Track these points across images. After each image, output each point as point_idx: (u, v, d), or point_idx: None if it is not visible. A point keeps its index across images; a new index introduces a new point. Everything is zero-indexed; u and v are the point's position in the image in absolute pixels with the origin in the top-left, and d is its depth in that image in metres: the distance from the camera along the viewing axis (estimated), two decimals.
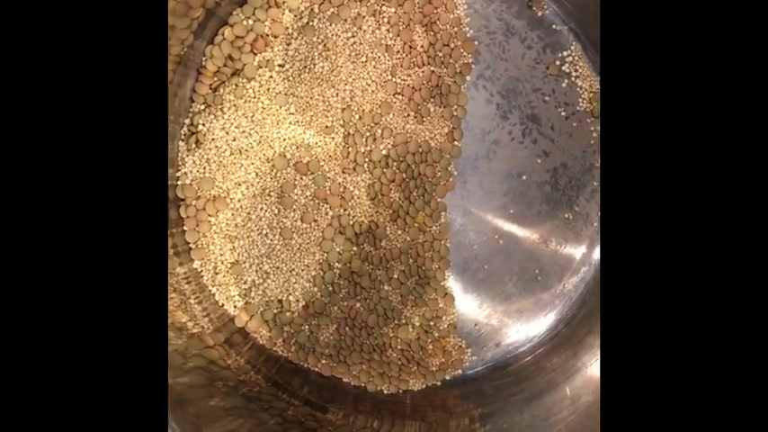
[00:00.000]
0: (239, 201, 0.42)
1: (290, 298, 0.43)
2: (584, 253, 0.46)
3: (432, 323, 0.45)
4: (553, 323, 0.46)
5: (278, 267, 0.43)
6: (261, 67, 0.42)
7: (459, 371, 0.46)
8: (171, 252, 0.41)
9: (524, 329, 0.46)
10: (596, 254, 0.46)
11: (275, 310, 0.43)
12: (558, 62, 0.45)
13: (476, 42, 0.45)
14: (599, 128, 0.46)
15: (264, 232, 0.42)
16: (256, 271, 0.42)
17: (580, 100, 0.46)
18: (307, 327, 0.43)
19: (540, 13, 0.45)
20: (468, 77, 0.45)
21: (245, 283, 0.42)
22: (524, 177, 0.45)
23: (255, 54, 0.42)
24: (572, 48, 0.45)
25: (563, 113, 0.45)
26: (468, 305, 0.46)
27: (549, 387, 0.43)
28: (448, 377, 0.45)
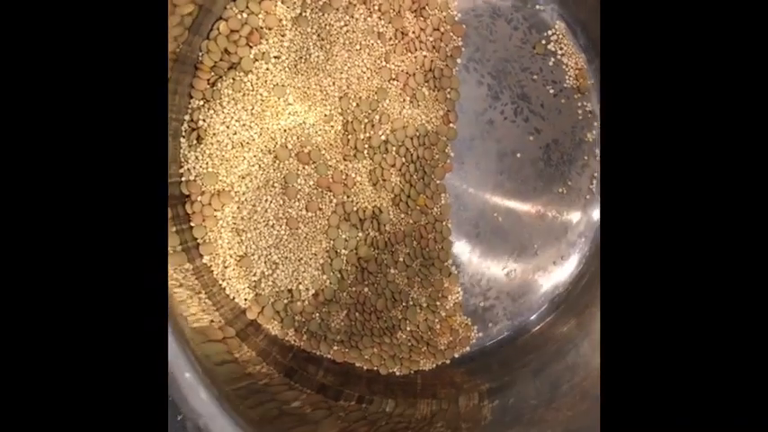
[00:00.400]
0: (244, 194, 0.42)
1: (300, 287, 0.43)
2: (579, 225, 0.47)
3: (438, 303, 0.46)
4: (554, 296, 0.47)
5: (286, 257, 0.43)
6: (257, 60, 0.42)
7: (467, 348, 0.47)
8: (180, 248, 0.41)
9: (528, 303, 0.47)
10: (591, 225, 0.47)
11: (285, 300, 0.43)
12: (543, 41, 0.47)
13: (464, 26, 0.46)
14: (586, 103, 0.47)
15: (271, 223, 0.43)
16: (265, 262, 0.43)
17: (567, 77, 0.47)
18: (317, 315, 0.44)
19: None
20: (458, 60, 0.46)
21: (254, 275, 0.43)
22: (518, 155, 0.47)
23: (251, 47, 0.42)
24: (556, 26, 0.47)
25: (551, 91, 0.47)
26: (472, 283, 0.47)
27: (557, 357, 0.44)
28: (456, 355, 0.46)
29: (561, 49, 0.47)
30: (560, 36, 0.47)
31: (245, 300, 0.43)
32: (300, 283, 0.43)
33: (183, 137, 0.42)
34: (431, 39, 0.45)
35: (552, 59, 0.47)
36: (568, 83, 0.47)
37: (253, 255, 0.43)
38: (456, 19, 0.46)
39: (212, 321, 0.41)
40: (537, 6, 0.47)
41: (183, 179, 0.42)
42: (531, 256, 0.47)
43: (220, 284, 0.43)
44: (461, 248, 0.46)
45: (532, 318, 0.48)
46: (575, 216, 0.47)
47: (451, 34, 0.45)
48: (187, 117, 0.42)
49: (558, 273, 0.47)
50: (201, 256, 0.42)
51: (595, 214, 0.47)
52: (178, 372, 0.32)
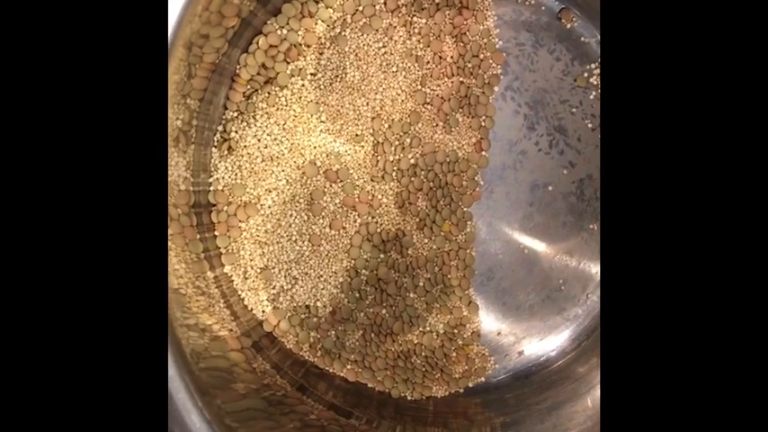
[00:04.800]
0: (270, 207, 0.43)
1: (318, 304, 0.44)
2: None
3: (456, 331, 0.45)
4: (576, 334, 0.47)
5: (306, 273, 0.43)
6: (293, 76, 0.43)
7: (482, 378, 0.46)
8: (202, 256, 0.41)
9: (547, 339, 0.47)
10: None
11: (303, 316, 0.44)
12: (585, 74, 0.46)
13: (504, 54, 0.45)
14: None
15: (294, 238, 0.43)
16: (285, 276, 0.43)
17: None
18: (333, 332, 0.44)
19: (568, 26, 0.46)
20: (496, 88, 0.45)
21: (273, 288, 0.43)
22: (550, 188, 0.46)
23: (288, 63, 0.43)
24: (599, 60, 0.46)
25: (590, 125, 0.46)
26: (491, 314, 0.46)
27: (572, 397, 0.43)
28: (470, 384, 0.46)
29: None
30: None
31: (263, 312, 0.43)
32: (318, 300, 0.44)
33: (215, 147, 0.42)
34: (469, 65, 0.44)
35: (593, 93, 0.46)
36: None
37: (273, 268, 0.43)
38: (497, 47, 0.45)
39: (230, 331, 0.42)
40: (582, 39, 0.46)
41: (212, 188, 0.42)
42: (556, 291, 0.46)
43: (239, 295, 0.43)
44: (484, 278, 0.46)
45: (552, 353, 0.47)
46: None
47: (491, 61, 0.45)
48: (220, 128, 0.42)
49: (581, 310, 0.46)
50: (223, 265, 0.43)
51: None
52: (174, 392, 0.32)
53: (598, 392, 0.43)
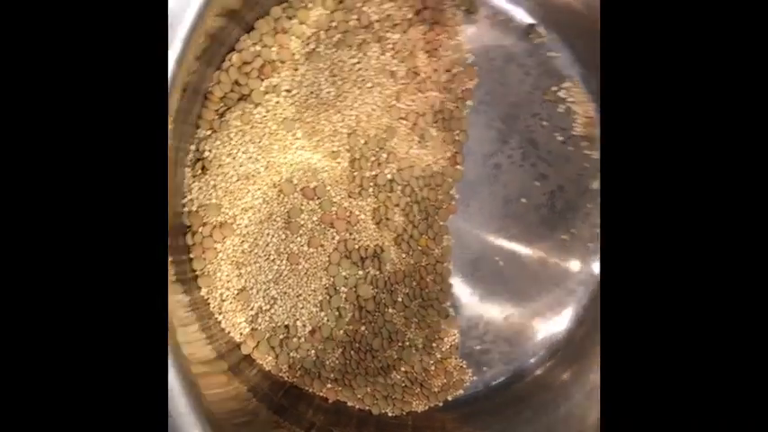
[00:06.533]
0: (246, 227, 0.42)
1: (297, 323, 0.43)
2: (579, 273, 0.47)
3: (434, 344, 0.45)
4: (552, 342, 0.47)
5: (285, 293, 0.42)
6: (268, 93, 0.42)
7: (461, 391, 0.46)
8: (175, 279, 0.40)
9: (524, 348, 0.47)
10: (591, 274, 0.47)
11: (281, 336, 0.43)
12: (554, 88, 0.47)
13: (476, 68, 0.46)
14: (593, 152, 0.47)
15: (272, 258, 0.42)
16: (263, 297, 0.42)
17: (575, 125, 0.47)
18: (313, 351, 0.43)
19: (537, 41, 0.46)
20: (469, 102, 0.46)
21: (251, 309, 0.42)
22: (523, 200, 0.47)
23: (263, 80, 0.42)
24: (568, 74, 0.47)
25: (559, 138, 0.47)
26: (469, 326, 0.46)
27: (551, 407, 0.44)
28: (449, 398, 0.46)
29: (572, 96, 0.47)
30: (572, 84, 0.47)
31: (241, 334, 0.42)
32: (298, 320, 0.43)
33: (188, 166, 0.41)
34: (442, 80, 0.45)
35: (562, 107, 0.47)
36: (577, 130, 0.47)
37: (251, 289, 0.42)
38: (469, 61, 0.45)
39: (206, 354, 0.41)
40: (549, 53, 0.46)
41: (186, 210, 0.41)
42: (530, 302, 0.47)
43: (216, 318, 0.42)
44: (461, 290, 0.46)
45: (528, 364, 0.47)
46: (575, 264, 0.47)
47: (463, 76, 0.45)
48: (193, 147, 0.41)
49: (556, 320, 0.47)
50: (199, 288, 0.42)
51: (596, 264, 0.47)
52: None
53: (577, 400, 0.44)
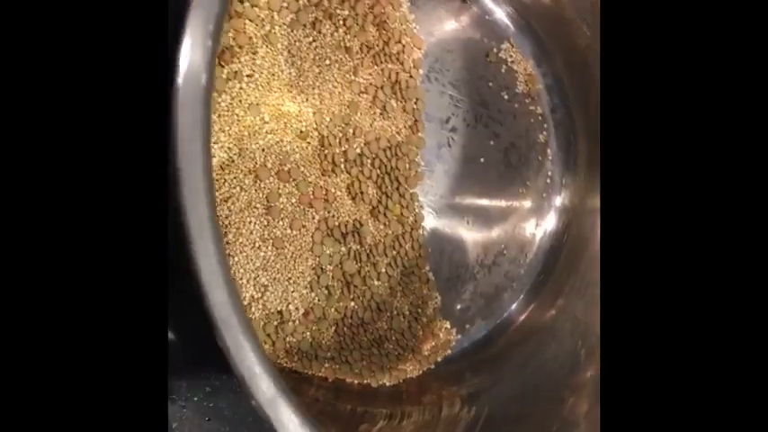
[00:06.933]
0: (227, 217, 0.41)
1: (290, 307, 0.43)
2: (538, 223, 0.50)
3: (419, 310, 0.46)
4: (525, 293, 0.50)
5: (275, 278, 0.42)
6: (230, 80, 0.41)
7: (449, 351, 0.48)
8: None
9: (501, 299, 0.49)
10: (549, 224, 0.50)
11: (276, 322, 0.42)
12: (495, 50, 0.49)
13: (422, 37, 0.47)
14: (537, 107, 0.50)
15: (257, 245, 0.42)
16: (254, 285, 0.42)
17: (518, 83, 0.49)
18: (308, 333, 0.43)
19: (472, 6, 0.48)
20: (421, 71, 0.47)
21: (243, 299, 0.41)
22: (482, 160, 0.48)
23: (223, 66, 0.41)
24: (506, 34, 0.49)
25: (505, 96, 0.49)
26: (448, 287, 0.48)
27: (541, 348, 0.47)
28: (439, 359, 0.47)
29: (511, 56, 0.49)
30: (510, 44, 0.49)
31: None
32: (290, 303, 0.43)
33: None
34: (394, 51, 0.46)
35: (504, 66, 0.49)
36: (519, 88, 0.49)
37: (241, 279, 0.41)
38: (415, 31, 0.47)
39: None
40: (486, 17, 0.49)
41: None
42: (499, 255, 0.49)
43: None
44: (436, 254, 0.47)
45: (510, 313, 0.49)
46: (534, 214, 0.50)
47: (412, 46, 0.46)
48: None
49: (523, 270, 0.50)
50: None
51: (556, 200, 0.50)
52: None
53: (564, 336, 0.46)
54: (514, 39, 0.49)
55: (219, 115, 0.41)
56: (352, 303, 0.44)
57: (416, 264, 0.46)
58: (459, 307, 0.48)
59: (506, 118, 0.49)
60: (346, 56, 0.44)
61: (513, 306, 0.49)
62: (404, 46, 0.46)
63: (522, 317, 0.49)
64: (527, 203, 0.50)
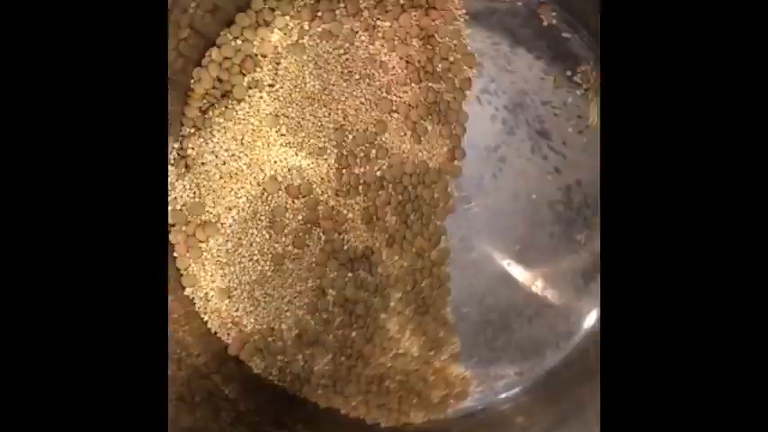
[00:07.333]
0: (230, 226, 0.41)
1: (283, 326, 0.41)
2: (595, 276, 0.43)
3: (432, 353, 0.42)
4: (567, 353, 0.43)
5: (269, 295, 0.41)
6: (250, 88, 0.41)
7: (465, 403, 0.43)
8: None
9: (536, 357, 0.43)
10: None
11: (269, 338, 0.42)
12: (568, 72, 0.42)
13: (477, 55, 0.42)
14: None
15: (255, 258, 0.41)
16: (247, 298, 0.41)
17: (591, 114, 0.42)
18: (301, 356, 0.42)
19: (546, 22, 0.42)
20: (469, 92, 0.42)
21: (236, 310, 0.41)
22: (534, 196, 0.42)
23: (244, 75, 0.41)
24: (583, 57, 0.42)
25: (575, 127, 0.42)
26: (475, 333, 0.43)
27: (562, 423, 0.40)
28: (451, 410, 0.43)
29: (588, 81, 0.42)
30: (588, 67, 0.42)
31: (228, 335, 0.42)
32: (283, 323, 0.41)
33: (172, 164, 0.41)
34: (438, 69, 0.42)
35: (578, 92, 0.42)
36: (593, 119, 0.42)
37: (235, 290, 0.41)
38: (469, 48, 0.42)
39: (198, 355, 0.40)
40: (562, 35, 0.42)
41: (169, 208, 0.41)
42: (545, 307, 0.43)
43: (202, 318, 0.41)
44: (464, 296, 0.43)
45: (542, 373, 0.43)
46: (598, 260, 0.42)
47: (462, 64, 0.42)
48: (176, 145, 0.41)
49: (574, 329, 0.43)
50: (183, 287, 0.41)
51: None
52: None
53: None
54: (595, 63, 0.42)
55: (235, 123, 0.41)
56: (354, 333, 0.42)
57: (434, 303, 0.42)
58: (486, 356, 0.43)
59: (572, 152, 0.42)
60: (379, 71, 0.41)
61: (551, 365, 0.43)
62: (452, 63, 0.42)
63: (554, 381, 0.42)
64: (585, 252, 0.42)
